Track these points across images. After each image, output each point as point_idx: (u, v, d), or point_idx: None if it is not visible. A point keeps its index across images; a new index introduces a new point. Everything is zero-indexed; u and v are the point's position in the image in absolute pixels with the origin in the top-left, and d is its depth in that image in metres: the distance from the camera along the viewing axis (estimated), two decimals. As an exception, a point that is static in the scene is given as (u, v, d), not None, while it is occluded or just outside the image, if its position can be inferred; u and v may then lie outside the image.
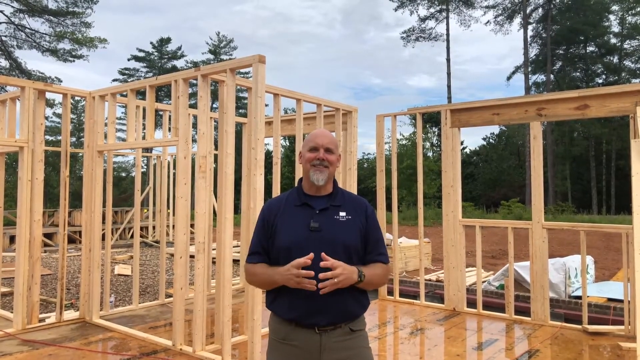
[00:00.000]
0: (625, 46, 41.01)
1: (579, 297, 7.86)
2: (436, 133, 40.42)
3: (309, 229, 2.08)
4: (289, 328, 2.09)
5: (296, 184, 2.32)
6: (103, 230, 5.88)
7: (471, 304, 6.36)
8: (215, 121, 6.86)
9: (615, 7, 40.00)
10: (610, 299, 7.93)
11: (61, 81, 33.64)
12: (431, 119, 37.09)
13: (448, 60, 41.24)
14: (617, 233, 5.45)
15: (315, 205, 2.15)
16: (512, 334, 5.35)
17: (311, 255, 1.95)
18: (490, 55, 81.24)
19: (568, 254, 10.54)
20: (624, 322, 5.25)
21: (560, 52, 41.94)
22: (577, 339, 5.15)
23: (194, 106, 6.39)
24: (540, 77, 43.08)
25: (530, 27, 41.18)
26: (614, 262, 12.21)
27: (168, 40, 47.87)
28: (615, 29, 41.25)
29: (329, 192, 2.21)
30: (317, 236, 2.07)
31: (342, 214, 2.15)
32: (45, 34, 32.18)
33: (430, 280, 9.60)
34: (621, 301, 7.42)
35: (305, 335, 2.06)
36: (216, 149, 6.70)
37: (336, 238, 2.08)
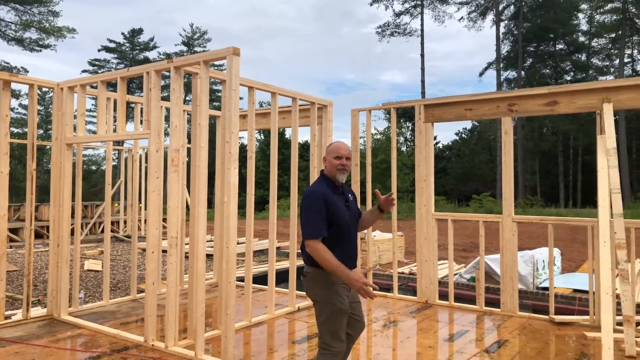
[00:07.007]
0: (593, 44, 42.14)
1: (546, 289, 8.09)
2: (410, 128, 40.82)
3: (347, 209, 3.12)
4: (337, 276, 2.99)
5: (317, 178, 3.25)
6: (72, 225, 5.74)
7: (443, 296, 6.46)
8: (188, 114, 6.77)
9: (584, 6, 41.03)
10: (575, 290, 8.16)
11: (27, 71, 32.65)
12: (405, 114, 37.45)
13: (422, 55, 41.61)
14: (583, 226, 5.60)
15: (345, 193, 3.19)
16: (482, 325, 5.47)
17: (375, 286, 3.15)
18: (460, 52, 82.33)
19: (536, 246, 10.80)
20: (589, 313, 5.41)
21: (531, 49, 42.80)
22: (544, 329, 5.29)
23: (166, 98, 6.26)
24: (511, 74, 43.95)
25: (502, 24, 41.89)
26: (579, 254, 12.59)
27: (140, 31, 46.89)
28: (584, 27, 42.34)
29: (341, 184, 3.20)
30: (351, 213, 3.15)
31: (350, 197, 3.25)
32: (11, 22, 31.13)
33: (403, 273, 9.72)
34: (586, 292, 7.65)
35: None
36: (189, 142, 6.61)
37: (357, 213, 3.26)
